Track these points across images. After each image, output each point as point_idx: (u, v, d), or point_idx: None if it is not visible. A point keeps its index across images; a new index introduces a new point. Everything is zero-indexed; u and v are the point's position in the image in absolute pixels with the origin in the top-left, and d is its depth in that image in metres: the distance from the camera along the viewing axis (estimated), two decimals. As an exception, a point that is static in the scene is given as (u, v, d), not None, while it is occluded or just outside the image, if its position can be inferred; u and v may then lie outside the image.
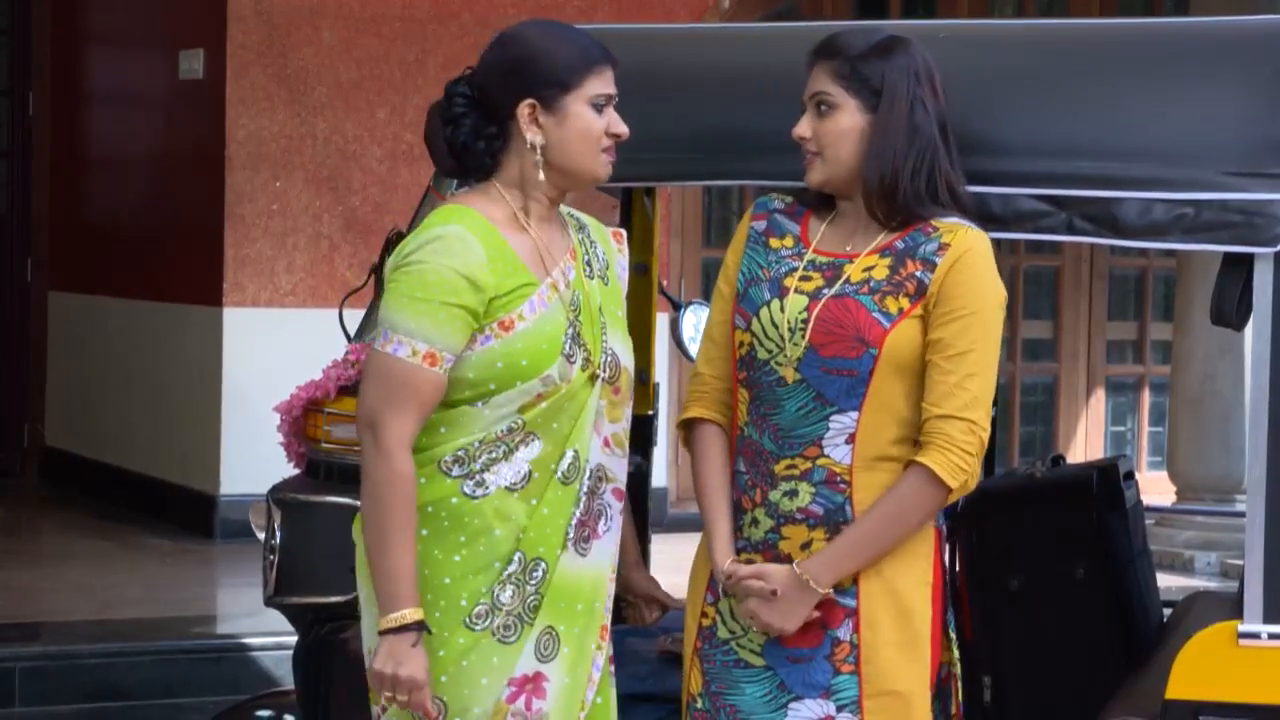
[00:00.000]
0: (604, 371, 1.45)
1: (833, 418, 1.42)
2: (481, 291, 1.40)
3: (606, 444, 1.46)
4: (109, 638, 3.02)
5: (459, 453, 1.42)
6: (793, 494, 1.44)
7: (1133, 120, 1.51)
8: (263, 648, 2.99)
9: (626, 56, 1.60)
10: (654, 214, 2.07)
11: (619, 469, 1.48)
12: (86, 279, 4.53)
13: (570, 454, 1.43)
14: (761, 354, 1.45)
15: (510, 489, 1.42)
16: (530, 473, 1.42)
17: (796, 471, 1.43)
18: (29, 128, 4.67)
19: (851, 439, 1.42)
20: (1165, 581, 2.15)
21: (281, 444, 2.10)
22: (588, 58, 1.43)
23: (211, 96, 3.95)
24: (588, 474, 1.44)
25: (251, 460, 3.61)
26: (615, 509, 1.47)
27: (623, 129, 1.44)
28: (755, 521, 1.45)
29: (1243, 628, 1.45)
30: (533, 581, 1.42)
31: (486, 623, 1.41)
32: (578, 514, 1.43)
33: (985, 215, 1.51)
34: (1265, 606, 1.43)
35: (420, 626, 1.39)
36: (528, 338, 1.41)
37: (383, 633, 1.39)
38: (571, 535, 1.43)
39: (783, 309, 1.43)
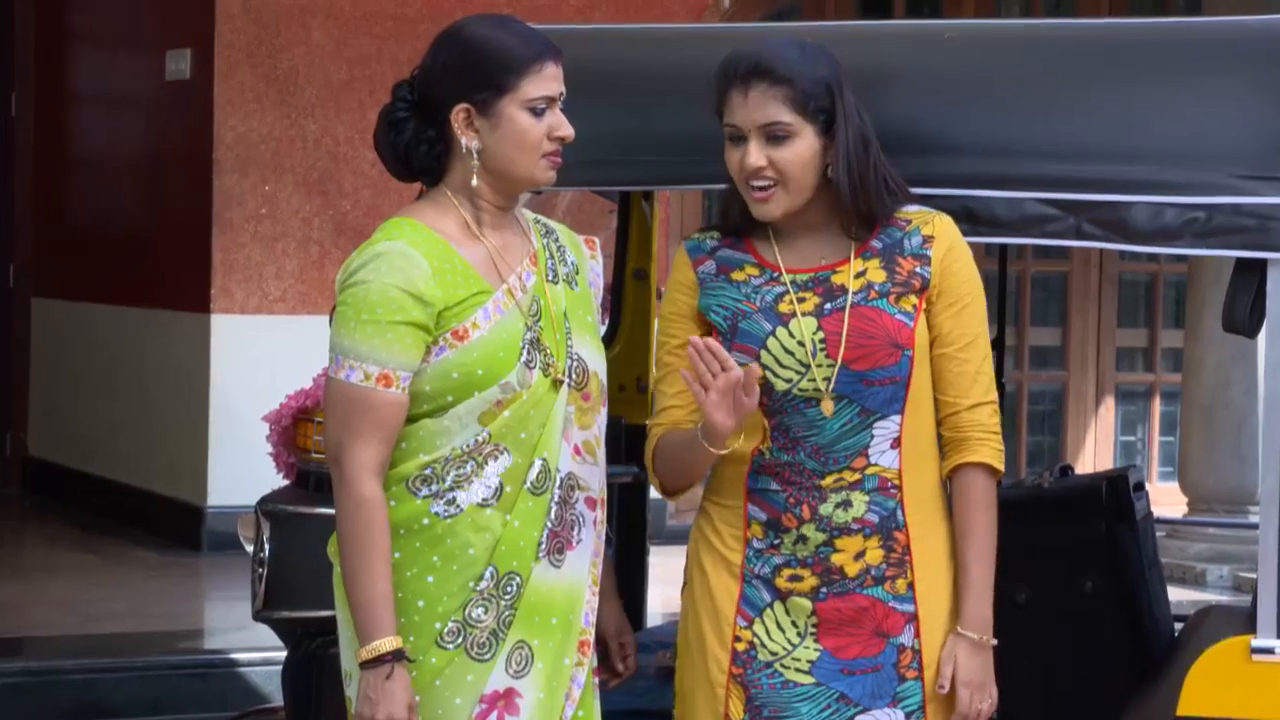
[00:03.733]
0: (569, 377, 1.42)
1: (876, 425, 1.42)
2: (428, 305, 1.37)
3: (577, 451, 1.43)
4: (93, 653, 2.99)
5: (425, 471, 1.39)
6: (846, 505, 1.42)
7: (1142, 122, 1.49)
8: (251, 663, 2.94)
9: (623, 57, 1.59)
10: (653, 218, 2.05)
11: (592, 478, 1.44)
12: (70, 285, 4.52)
13: (539, 463, 1.40)
14: (780, 384, 1.42)
15: (483, 505, 1.39)
16: (502, 486, 1.39)
17: (846, 483, 1.42)
18: (12, 129, 4.66)
19: (897, 443, 1.42)
20: (1176, 595, 2.18)
21: (270, 454, 2.10)
22: (525, 59, 1.38)
23: (199, 97, 3.93)
24: (558, 483, 1.41)
25: (240, 471, 3.60)
26: (589, 519, 1.44)
27: (567, 131, 1.40)
28: (802, 539, 1.43)
29: (1256, 643, 1.45)
30: (507, 596, 1.39)
31: (459, 640, 1.39)
32: (549, 525, 1.41)
33: (992, 219, 1.50)
34: (1279, 621, 1.43)
35: (397, 656, 1.37)
36: (483, 345, 1.39)
37: (361, 666, 1.38)
38: (544, 547, 1.40)
39: (791, 334, 1.41)
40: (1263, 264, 1.44)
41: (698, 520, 1.47)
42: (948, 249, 1.42)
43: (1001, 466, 1.43)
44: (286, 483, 2.05)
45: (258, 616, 1.96)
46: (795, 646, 1.42)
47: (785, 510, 1.43)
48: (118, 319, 4.28)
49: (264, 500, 1.99)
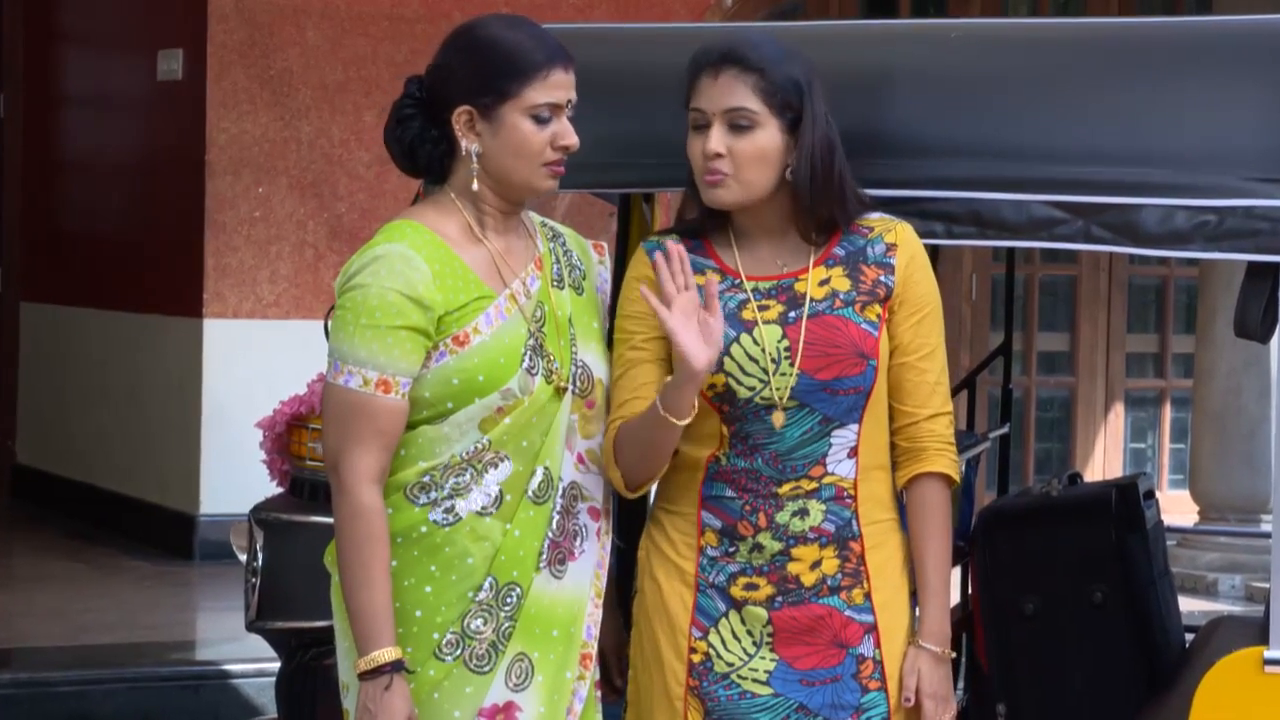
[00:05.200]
0: (573, 384, 1.40)
1: (834, 433, 1.41)
2: (429, 310, 1.36)
3: (580, 460, 1.42)
4: (83, 664, 2.95)
5: (424, 479, 1.38)
6: (803, 513, 1.41)
7: (1152, 124, 1.48)
8: (244, 674, 2.92)
9: (625, 58, 1.57)
10: (654, 221, 2.02)
11: (595, 487, 1.43)
12: (60, 289, 4.50)
13: (541, 471, 1.39)
14: (742, 391, 1.41)
15: (482, 513, 1.38)
16: (502, 494, 1.38)
17: (803, 491, 1.41)
18: (0, 131, 4.62)
19: (854, 452, 1.42)
20: (1187, 605, 2.22)
21: (264, 461, 2.09)
22: (532, 64, 1.36)
23: (191, 98, 3.90)
24: (560, 492, 1.40)
25: (233, 478, 3.58)
26: (592, 529, 1.42)
27: (571, 140, 1.39)
28: (758, 547, 1.41)
29: (1268, 654, 1.44)
30: (507, 607, 1.38)
31: (457, 651, 1.37)
32: (551, 535, 1.39)
33: (999, 223, 1.49)
34: (1291, 631, 1.44)
35: (396, 667, 1.35)
36: (484, 351, 1.37)
37: (360, 677, 1.36)
38: (545, 557, 1.39)
39: (755, 342, 1.39)
40: (1275, 268, 1.43)
41: (648, 528, 1.45)
42: (910, 258, 1.41)
43: (958, 477, 1.43)
44: (280, 491, 2.04)
45: (251, 627, 1.97)
46: (751, 657, 1.39)
47: (741, 518, 1.40)
48: (108, 324, 4.26)
49: (257, 509, 1.98)
